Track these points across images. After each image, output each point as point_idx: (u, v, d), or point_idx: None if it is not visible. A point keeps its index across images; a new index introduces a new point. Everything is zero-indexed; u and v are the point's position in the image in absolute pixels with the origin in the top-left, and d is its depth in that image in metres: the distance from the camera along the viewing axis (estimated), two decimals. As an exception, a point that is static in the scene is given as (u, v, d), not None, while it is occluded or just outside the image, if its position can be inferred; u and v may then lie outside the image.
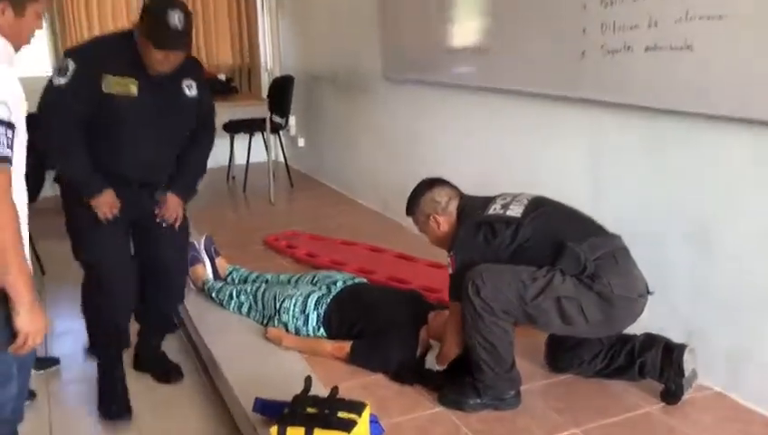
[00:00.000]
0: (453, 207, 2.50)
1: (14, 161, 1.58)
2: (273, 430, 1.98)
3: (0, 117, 1.52)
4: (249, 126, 5.73)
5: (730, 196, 2.39)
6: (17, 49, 1.78)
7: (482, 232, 2.36)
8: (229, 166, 6.10)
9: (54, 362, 3.05)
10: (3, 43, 1.70)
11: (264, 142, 5.63)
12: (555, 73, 3.05)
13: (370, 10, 4.61)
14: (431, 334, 2.65)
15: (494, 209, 2.40)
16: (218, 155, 6.57)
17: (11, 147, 1.55)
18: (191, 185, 2.73)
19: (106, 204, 2.47)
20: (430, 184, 2.57)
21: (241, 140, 5.94)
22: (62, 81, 2.35)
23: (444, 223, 2.50)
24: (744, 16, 2.21)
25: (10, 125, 1.55)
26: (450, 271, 2.40)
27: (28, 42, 1.83)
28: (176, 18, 2.32)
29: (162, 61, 2.38)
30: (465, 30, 3.73)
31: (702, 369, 2.43)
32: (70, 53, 2.46)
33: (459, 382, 2.41)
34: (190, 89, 2.58)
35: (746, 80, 2.23)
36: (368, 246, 4.01)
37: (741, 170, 2.34)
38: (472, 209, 2.46)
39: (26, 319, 1.60)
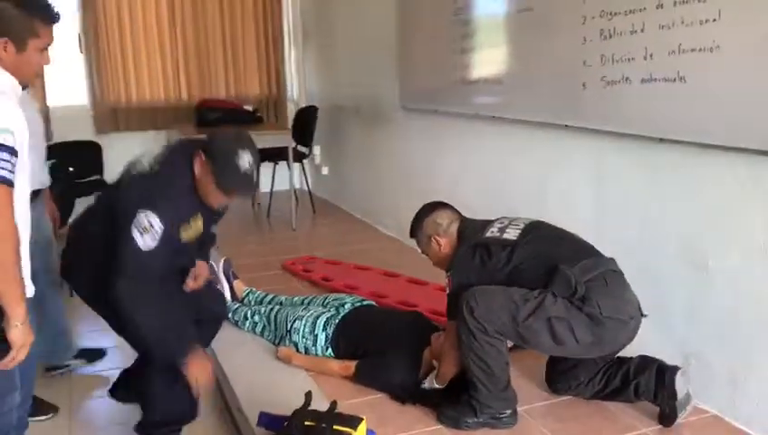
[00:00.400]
0: (454, 229, 2.60)
1: (15, 186, 1.70)
2: (273, 441, 2.09)
3: (5, 143, 1.64)
4: (274, 155, 5.89)
5: (723, 220, 2.45)
6: (24, 84, 1.87)
7: (478, 254, 2.45)
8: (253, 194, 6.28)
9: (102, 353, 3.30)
10: (7, 77, 1.80)
11: (289, 170, 5.80)
12: (559, 104, 3.16)
13: (389, 44, 4.78)
14: (434, 355, 2.73)
15: (492, 232, 2.50)
16: (244, 183, 6.77)
17: (13, 172, 1.67)
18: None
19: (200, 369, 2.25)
20: (433, 207, 2.67)
21: (266, 169, 6.11)
22: (151, 244, 2.09)
23: (445, 244, 2.59)
24: (733, 49, 2.30)
25: (14, 152, 1.67)
26: (447, 291, 2.49)
27: (35, 77, 1.93)
28: (246, 161, 2.14)
29: (228, 201, 2.27)
30: (477, 63, 3.87)
31: (699, 391, 2.47)
32: (148, 207, 2.12)
33: (457, 401, 2.48)
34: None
35: (736, 110, 2.31)
36: (381, 271, 4.12)
37: (732, 195, 2.40)
38: (471, 232, 2.55)
39: (18, 333, 1.71)
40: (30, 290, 1.85)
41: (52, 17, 1.91)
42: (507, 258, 2.41)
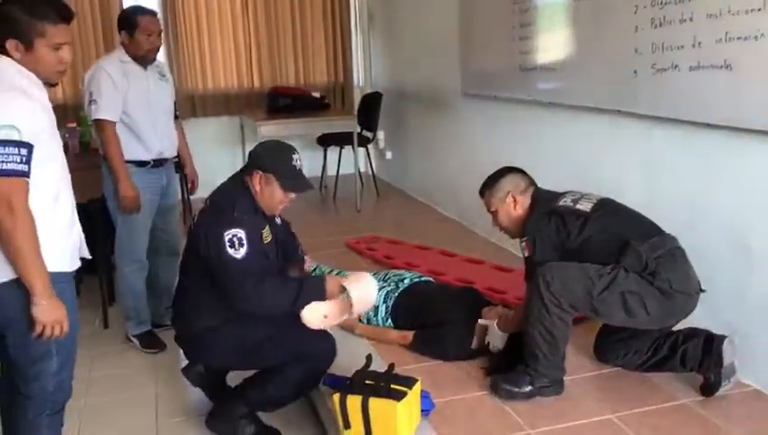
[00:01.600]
0: (530, 192, 2.75)
1: (45, 172, 1.86)
2: (336, 397, 2.32)
3: (10, 138, 1.76)
4: (340, 139, 6.16)
5: (766, 204, 2.54)
6: (49, 80, 1.96)
7: (553, 221, 2.60)
8: (322, 176, 6.56)
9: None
10: (23, 74, 1.89)
11: (354, 153, 6.05)
12: (612, 90, 3.28)
13: (452, 32, 4.95)
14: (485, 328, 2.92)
15: (565, 202, 2.65)
16: (312, 166, 7.09)
17: (27, 162, 1.80)
18: None
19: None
20: (512, 169, 2.83)
21: (333, 153, 6.38)
22: (244, 251, 2.34)
23: (520, 204, 2.72)
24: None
25: (23, 144, 1.79)
26: (526, 254, 2.65)
27: (56, 74, 1.97)
28: (299, 161, 2.47)
29: (289, 201, 2.49)
30: (535, 50, 3.99)
31: (742, 367, 2.57)
32: (228, 227, 2.36)
33: (511, 372, 2.64)
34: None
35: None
36: (440, 250, 4.32)
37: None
38: (545, 199, 2.70)
39: (42, 311, 1.87)
40: (74, 263, 2.04)
41: (60, 16, 1.92)
42: (580, 229, 2.55)
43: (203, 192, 7.14)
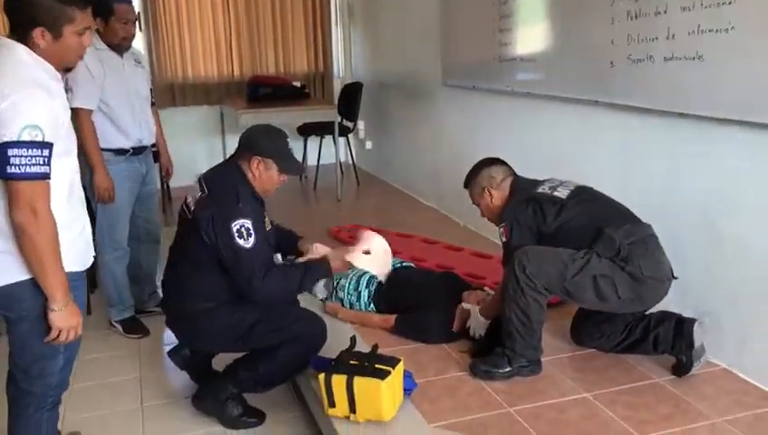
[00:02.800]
0: (506, 184, 2.84)
1: (60, 167, 1.83)
2: (321, 377, 2.38)
3: (35, 139, 1.73)
4: (320, 129, 6.20)
5: (735, 189, 2.65)
6: (64, 67, 1.94)
7: (530, 207, 2.69)
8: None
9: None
10: (41, 69, 1.83)
11: (334, 144, 6.09)
12: (589, 81, 3.36)
13: (432, 23, 5.01)
14: (465, 312, 3.00)
15: (543, 189, 2.74)
16: (292, 156, 7.11)
17: (49, 163, 1.77)
18: None
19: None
20: (490, 162, 2.92)
21: (313, 143, 6.42)
22: (253, 240, 2.40)
23: (497, 197, 2.82)
24: (748, 29, 2.47)
25: (45, 144, 1.76)
26: (504, 239, 2.74)
27: (78, 59, 1.95)
28: (289, 144, 2.59)
29: (283, 182, 2.57)
30: (514, 42, 4.06)
31: (712, 348, 2.68)
32: (235, 218, 2.41)
33: (489, 354, 2.72)
34: None
35: (748, 86, 2.49)
36: (421, 238, 4.39)
37: (744, 165, 2.59)
38: (523, 187, 2.80)
39: (58, 317, 1.86)
40: (87, 261, 2.04)
41: (86, 1, 1.88)
42: (556, 215, 2.64)
43: (182, 181, 7.20)
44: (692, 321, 2.62)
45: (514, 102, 4.14)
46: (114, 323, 3.55)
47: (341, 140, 6.28)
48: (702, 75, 2.67)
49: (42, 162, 1.76)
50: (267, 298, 2.50)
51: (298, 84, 6.43)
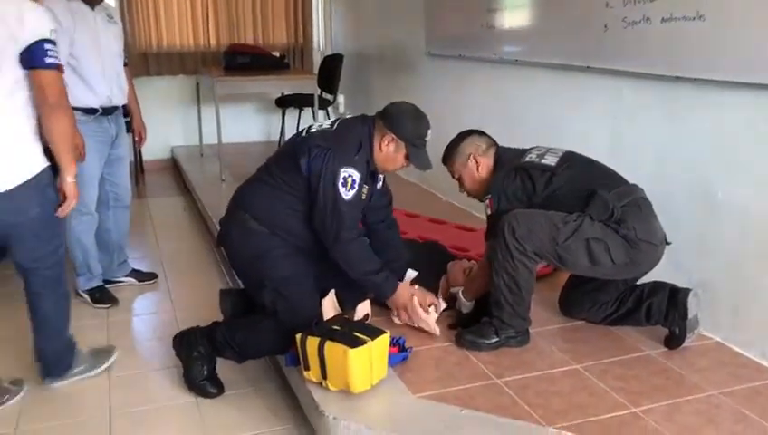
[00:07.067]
0: (492, 152, 2.70)
1: None
2: (298, 337, 2.26)
3: (53, 38, 2.21)
4: (300, 101, 6.03)
5: (733, 154, 2.55)
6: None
7: (518, 177, 2.56)
8: (280, 140, 6.42)
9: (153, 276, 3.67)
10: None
11: (313, 117, 5.92)
12: (582, 46, 3.24)
13: (416, -10, 4.85)
14: (450, 281, 2.88)
15: (530, 158, 2.61)
16: (270, 128, 6.92)
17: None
18: None
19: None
20: (471, 131, 2.77)
21: (292, 117, 6.24)
22: (351, 193, 2.40)
23: (483, 166, 2.68)
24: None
25: (55, 42, 2.21)
26: (488, 212, 2.61)
27: None
28: (429, 136, 2.52)
29: (395, 171, 2.57)
30: (502, 7, 3.93)
31: (704, 320, 2.60)
32: (349, 166, 2.40)
33: (476, 324, 2.61)
34: None
35: (750, 46, 2.38)
36: (403, 212, 4.23)
37: (742, 130, 2.50)
38: (509, 157, 2.66)
39: (71, 186, 2.32)
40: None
41: None
42: (546, 183, 2.52)
43: (157, 153, 7.02)
44: (686, 291, 2.53)
45: (503, 70, 4.01)
46: (81, 292, 3.38)
47: (321, 113, 6.11)
48: (702, 36, 2.55)
49: (56, 56, 2.23)
50: (344, 259, 2.46)
51: (277, 54, 6.24)
